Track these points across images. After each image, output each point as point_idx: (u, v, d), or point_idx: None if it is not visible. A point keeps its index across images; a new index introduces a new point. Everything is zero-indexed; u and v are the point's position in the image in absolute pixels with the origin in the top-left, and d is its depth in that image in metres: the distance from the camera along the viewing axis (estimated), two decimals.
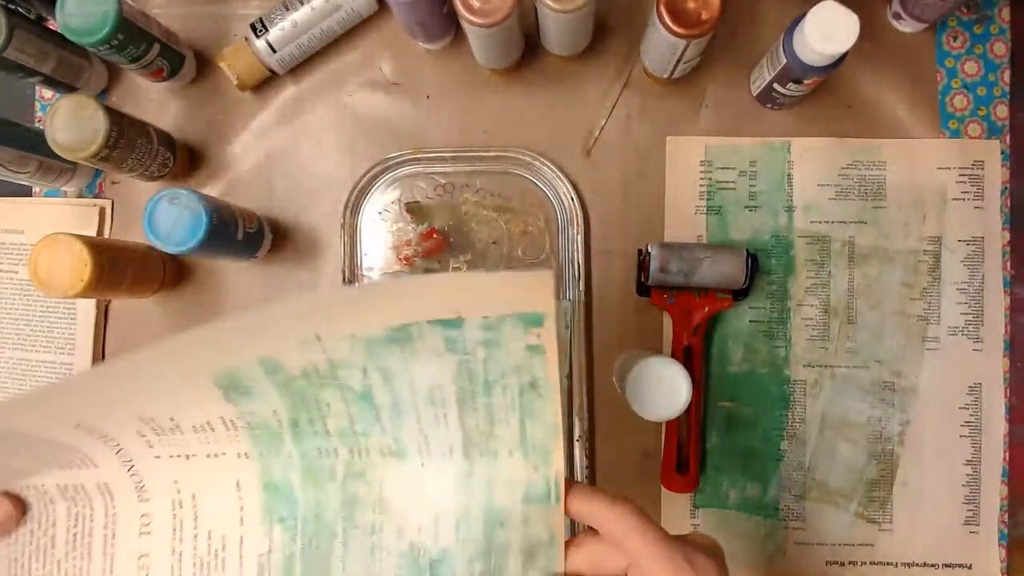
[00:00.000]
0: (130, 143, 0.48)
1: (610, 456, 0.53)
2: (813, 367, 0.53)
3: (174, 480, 0.34)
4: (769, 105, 0.53)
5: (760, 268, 0.53)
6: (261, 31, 0.51)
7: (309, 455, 0.34)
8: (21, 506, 0.34)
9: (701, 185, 0.54)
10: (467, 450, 0.33)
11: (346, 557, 0.33)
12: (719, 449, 0.53)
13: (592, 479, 0.53)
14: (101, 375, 0.28)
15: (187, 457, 0.34)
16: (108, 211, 0.55)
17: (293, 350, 0.30)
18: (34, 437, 0.31)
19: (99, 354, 0.55)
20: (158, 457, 0.34)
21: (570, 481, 0.34)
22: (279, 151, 0.55)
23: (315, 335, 0.30)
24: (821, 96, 0.53)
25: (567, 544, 0.34)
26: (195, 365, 0.30)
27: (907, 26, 0.53)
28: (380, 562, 0.33)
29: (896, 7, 0.53)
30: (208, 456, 0.34)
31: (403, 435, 0.33)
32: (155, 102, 0.55)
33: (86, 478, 0.34)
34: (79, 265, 0.45)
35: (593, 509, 0.33)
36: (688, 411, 0.46)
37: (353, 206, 0.53)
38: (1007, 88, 0.54)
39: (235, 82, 0.53)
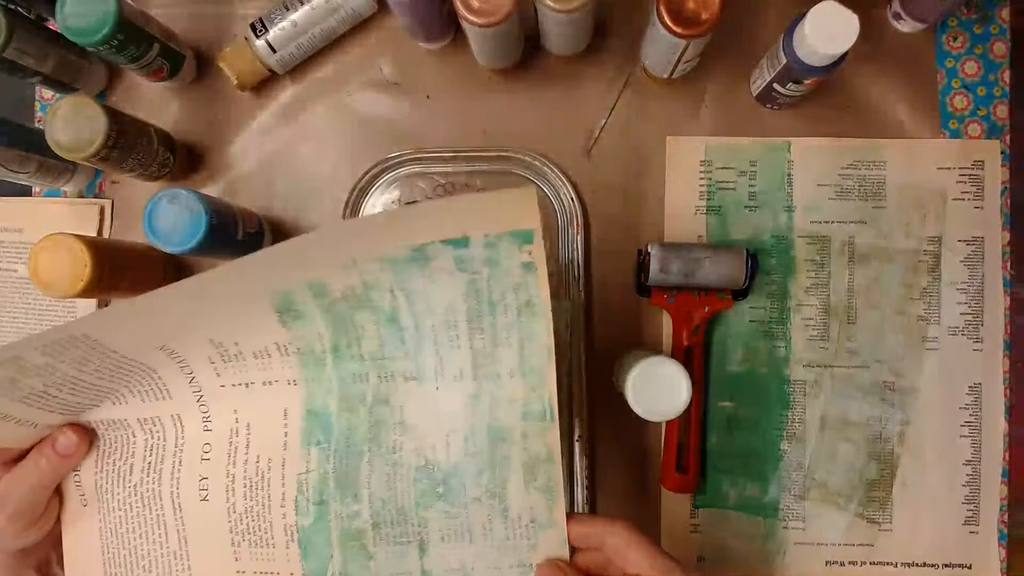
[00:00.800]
0: (130, 143, 0.48)
1: (610, 456, 0.53)
2: (813, 367, 0.53)
3: (234, 410, 0.39)
4: (769, 105, 0.53)
5: (760, 268, 0.53)
6: (261, 31, 0.51)
7: (345, 380, 0.38)
8: (88, 438, 0.38)
9: (701, 185, 0.54)
10: (475, 372, 0.37)
11: (371, 475, 0.37)
12: (719, 449, 0.53)
13: (592, 479, 0.53)
14: (174, 293, 0.32)
15: (247, 386, 0.38)
16: (108, 211, 0.55)
17: (336, 273, 0.35)
18: (126, 360, 0.35)
19: None
20: (223, 386, 0.38)
21: (571, 514, 0.38)
22: (279, 151, 0.55)
23: (352, 259, 0.34)
24: (821, 96, 0.53)
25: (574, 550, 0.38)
26: (255, 287, 0.34)
27: (907, 26, 0.53)
28: (400, 478, 0.37)
29: (896, 7, 0.53)
30: (264, 384, 0.38)
31: (423, 358, 0.37)
32: (155, 102, 0.56)
33: (163, 410, 0.38)
34: (79, 265, 0.45)
35: (593, 529, 0.37)
36: (688, 411, 0.46)
37: (353, 206, 0.53)
38: (1007, 88, 0.54)
39: (235, 82, 0.53)
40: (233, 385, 0.38)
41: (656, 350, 0.51)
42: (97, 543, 0.38)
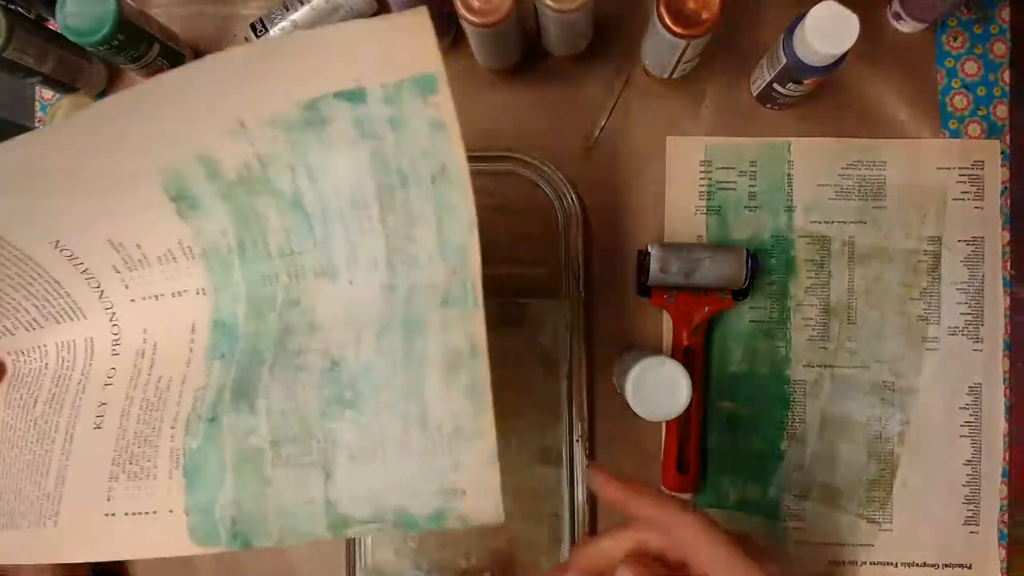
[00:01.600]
0: None
1: (610, 456, 0.53)
2: (813, 367, 0.53)
3: (144, 328, 0.36)
4: (769, 105, 0.53)
5: (760, 268, 0.53)
6: (261, 31, 0.51)
7: (254, 284, 0.34)
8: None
9: (701, 185, 0.54)
10: (390, 259, 0.33)
11: (271, 382, 0.33)
12: (719, 449, 0.53)
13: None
14: (36, 141, 0.29)
15: (156, 298, 0.35)
16: None
17: (223, 141, 0.31)
18: (16, 252, 0.32)
19: None
20: (133, 300, 0.35)
21: (636, 486, 0.35)
22: None
23: (238, 119, 0.30)
24: (821, 96, 0.53)
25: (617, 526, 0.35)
26: (137, 155, 0.31)
27: (907, 26, 0.53)
28: (303, 384, 0.33)
29: (896, 7, 0.53)
30: (173, 295, 0.35)
31: (334, 248, 0.33)
32: None
33: (78, 332, 0.35)
34: None
35: (664, 515, 0.34)
36: (688, 411, 0.46)
37: None
38: (1007, 88, 0.54)
39: None
40: (143, 299, 0.35)
41: (656, 350, 0.51)
42: None
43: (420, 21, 0.29)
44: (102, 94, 0.56)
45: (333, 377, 0.32)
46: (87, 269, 0.35)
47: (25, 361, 0.37)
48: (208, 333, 0.35)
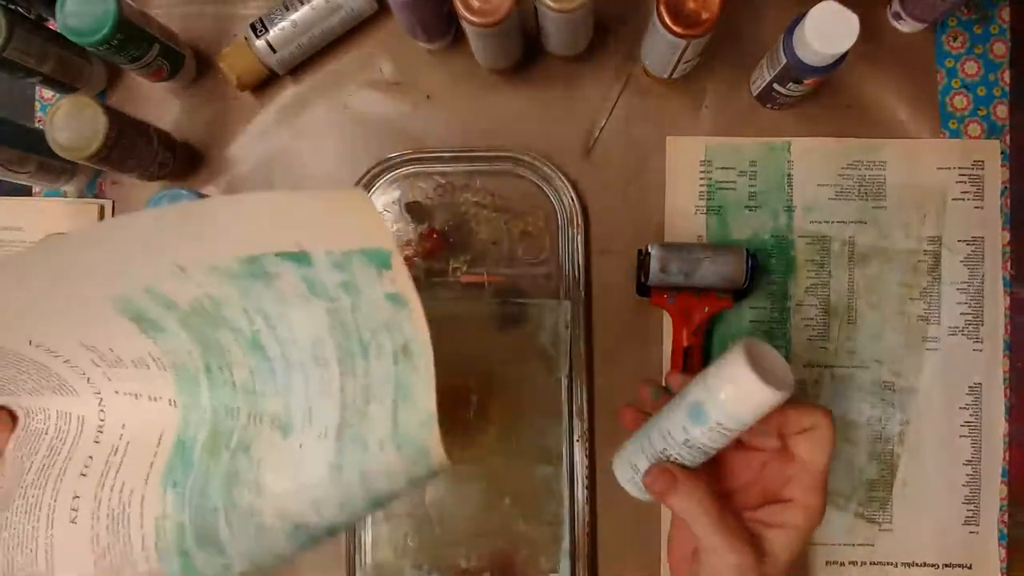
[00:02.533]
0: (130, 143, 0.48)
1: (610, 456, 0.53)
2: (813, 367, 0.53)
3: (122, 424, 0.35)
4: (769, 105, 0.53)
5: (760, 268, 0.53)
6: (261, 31, 0.51)
7: (218, 412, 0.34)
8: (11, 422, 0.36)
9: (701, 185, 0.54)
10: (339, 434, 0.31)
11: (233, 536, 0.32)
12: None
13: (592, 479, 0.53)
14: None
15: (135, 397, 0.35)
16: (108, 211, 0.55)
17: (169, 281, 0.30)
18: (5, 351, 0.33)
19: None
20: (117, 392, 0.35)
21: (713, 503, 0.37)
22: (279, 151, 0.55)
23: (177, 266, 0.30)
24: (821, 96, 0.53)
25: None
26: (89, 285, 0.31)
27: (907, 26, 0.53)
28: (271, 538, 0.32)
29: (896, 7, 0.53)
30: (150, 399, 0.35)
31: (293, 401, 0.32)
32: (155, 102, 0.56)
33: (73, 407, 0.35)
34: None
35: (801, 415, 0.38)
36: None
37: None
38: (1007, 88, 0.54)
39: (235, 82, 0.53)
40: (125, 393, 0.35)
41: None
42: None
43: (360, 200, 0.27)
44: (102, 94, 0.56)
45: (303, 531, 0.32)
46: (68, 360, 0.34)
47: (35, 421, 0.37)
48: (169, 451, 0.34)
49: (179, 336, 0.33)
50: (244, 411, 0.33)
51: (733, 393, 0.35)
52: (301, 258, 0.29)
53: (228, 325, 0.32)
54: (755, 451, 0.40)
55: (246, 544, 0.32)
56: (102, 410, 0.36)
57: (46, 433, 0.36)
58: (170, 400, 0.35)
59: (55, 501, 0.34)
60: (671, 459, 0.38)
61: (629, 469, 0.41)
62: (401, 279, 0.28)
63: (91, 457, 0.35)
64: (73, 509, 0.34)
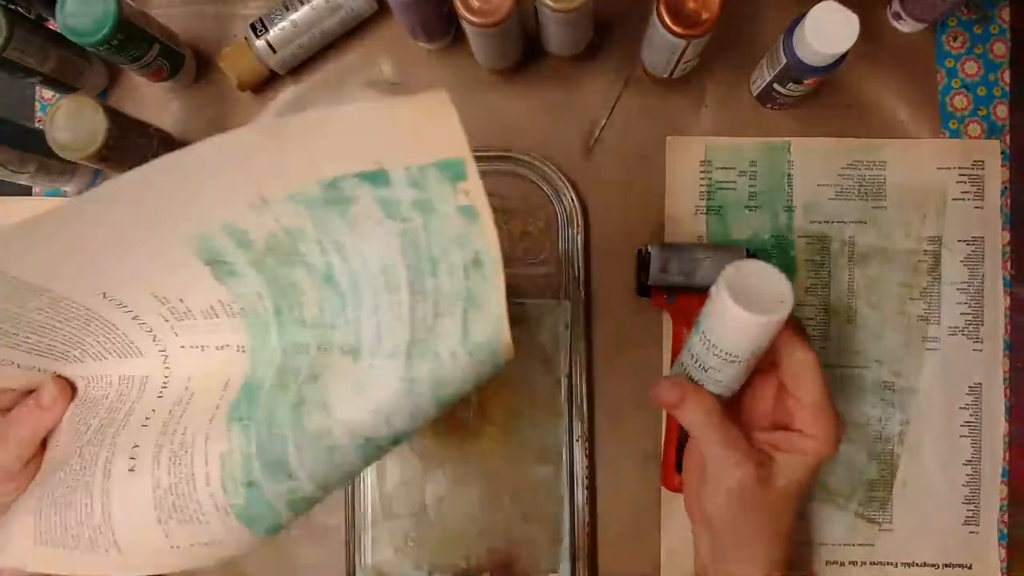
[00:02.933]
0: (130, 143, 0.48)
1: (610, 456, 0.53)
2: None
3: (188, 377, 0.36)
4: (769, 105, 0.53)
5: None
6: (261, 31, 0.51)
7: (288, 352, 0.34)
8: (69, 392, 0.37)
9: (701, 185, 0.54)
10: (410, 351, 0.31)
11: (302, 458, 0.32)
12: None
13: (592, 479, 0.53)
14: (64, 214, 0.29)
15: (202, 349, 0.35)
16: None
17: (247, 214, 0.30)
18: (66, 301, 0.33)
19: None
20: (183, 347, 0.35)
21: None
22: None
23: (259, 195, 0.29)
24: (821, 96, 0.53)
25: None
26: (166, 224, 0.30)
27: (907, 26, 0.53)
28: (340, 454, 0.32)
29: (896, 7, 0.53)
30: (217, 348, 0.35)
31: (363, 329, 0.32)
32: (155, 102, 0.55)
33: (137, 369, 0.36)
34: None
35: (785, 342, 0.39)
36: None
37: None
38: (1007, 88, 0.54)
39: (235, 82, 0.53)
40: (191, 347, 0.36)
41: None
42: (33, 496, 0.35)
43: (442, 103, 0.27)
44: (102, 94, 0.56)
45: (371, 444, 0.32)
46: (137, 316, 0.35)
47: (94, 388, 0.37)
48: (236, 393, 0.34)
49: (252, 280, 0.33)
50: (313, 345, 0.33)
51: (720, 327, 0.36)
52: (379, 178, 0.29)
53: (302, 260, 0.32)
54: (767, 380, 0.42)
55: (315, 465, 0.32)
56: (167, 367, 0.36)
57: (106, 398, 0.36)
58: (238, 347, 0.35)
59: (113, 454, 0.34)
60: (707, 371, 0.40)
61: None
62: (475, 189, 0.29)
63: (153, 410, 0.35)
64: (132, 458, 0.34)
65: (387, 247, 0.31)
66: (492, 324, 0.31)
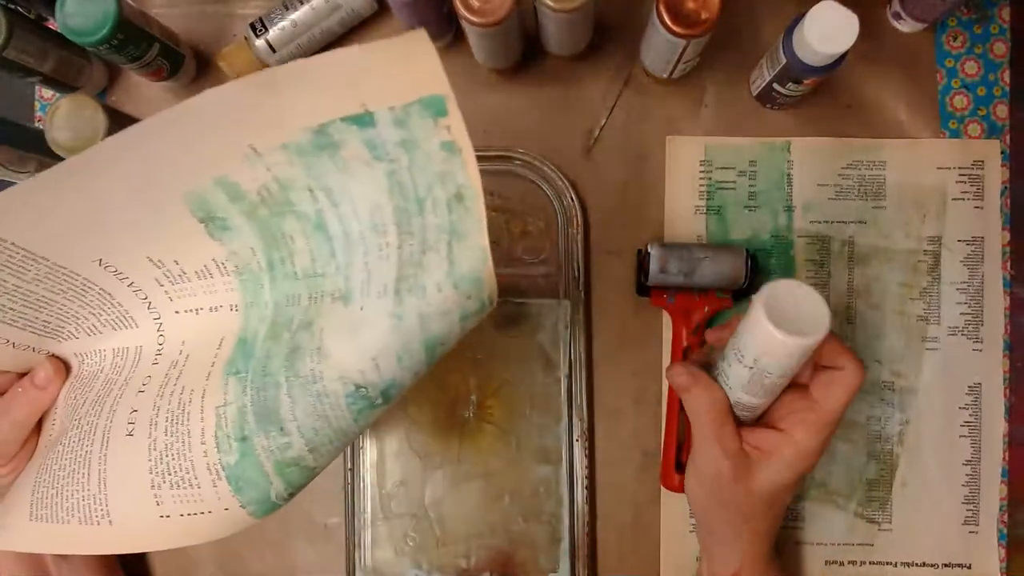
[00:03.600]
0: None
1: (610, 456, 0.53)
2: None
3: (182, 341, 0.36)
4: (769, 105, 0.53)
5: (760, 268, 0.53)
6: (261, 31, 0.51)
7: (280, 305, 0.35)
8: (64, 370, 0.38)
9: (701, 185, 0.54)
10: (398, 287, 0.32)
11: (294, 407, 0.33)
12: None
13: (592, 479, 0.53)
14: (59, 175, 0.29)
15: (196, 312, 0.36)
16: None
17: (239, 166, 0.31)
18: (62, 270, 0.33)
19: None
20: (177, 312, 0.36)
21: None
22: None
23: (250, 146, 0.30)
24: (821, 96, 0.53)
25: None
26: (160, 183, 0.31)
27: (907, 26, 0.53)
28: (330, 406, 0.33)
29: (896, 7, 0.53)
30: (211, 310, 0.36)
31: (353, 273, 0.33)
32: (155, 102, 0.55)
33: (132, 340, 0.36)
34: None
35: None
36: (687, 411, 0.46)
37: None
38: (1007, 88, 0.54)
39: None
40: (186, 311, 0.36)
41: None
42: (31, 475, 0.36)
43: (421, 43, 0.28)
44: (102, 94, 0.56)
45: (360, 395, 0.33)
46: (132, 283, 0.35)
47: (88, 364, 0.38)
48: (231, 350, 0.35)
49: (243, 233, 0.33)
50: (305, 295, 0.34)
51: (762, 350, 0.37)
52: (365, 120, 0.30)
53: (293, 209, 0.32)
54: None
55: (306, 416, 0.33)
56: (161, 335, 0.37)
57: (101, 372, 0.37)
58: (232, 306, 0.36)
59: (111, 422, 0.34)
60: (739, 404, 0.41)
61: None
62: (456, 124, 0.29)
63: (150, 376, 0.36)
64: (130, 423, 0.34)
65: (375, 189, 0.31)
66: (475, 255, 0.32)
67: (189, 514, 0.33)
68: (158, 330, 0.37)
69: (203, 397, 0.34)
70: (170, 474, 0.33)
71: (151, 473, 0.33)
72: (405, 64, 0.28)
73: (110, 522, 0.33)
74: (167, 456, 0.33)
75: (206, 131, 0.30)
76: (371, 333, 0.32)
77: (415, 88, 0.29)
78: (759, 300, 0.36)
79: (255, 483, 0.33)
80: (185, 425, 0.33)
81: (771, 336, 0.35)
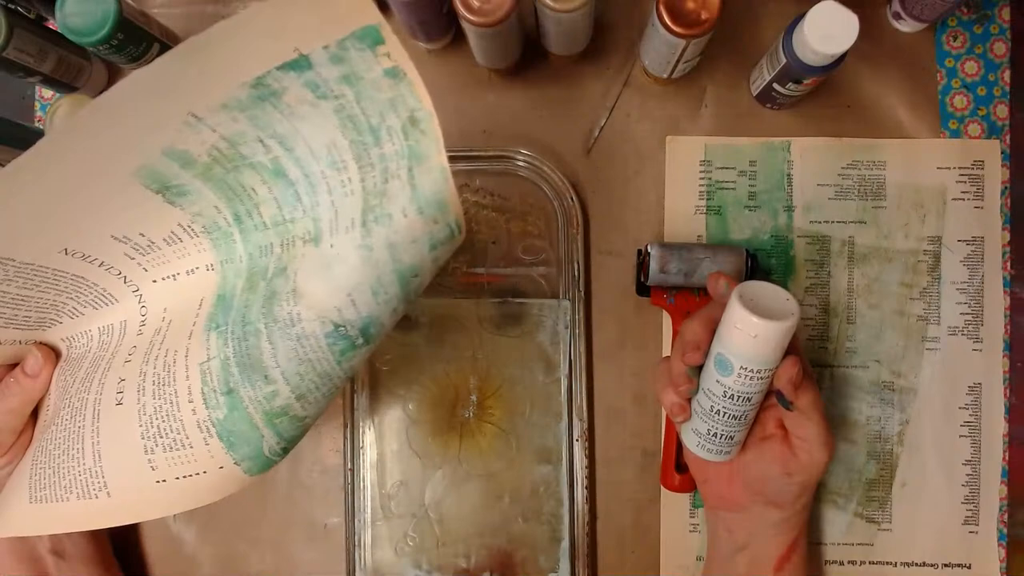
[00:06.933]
0: None
1: (610, 456, 0.54)
2: (813, 367, 0.53)
3: (164, 308, 0.36)
4: (769, 105, 0.53)
5: (760, 268, 0.53)
6: None
7: (254, 257, 0.35)
8: (53, 357, 0.38)
9: (701, 185, 0.54)
10: (364, 218, 0.32)
11: (276, 353, 0.33)
12: None
13: (592, 479, 0.53)
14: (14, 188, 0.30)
15: (174, 278, 0.36)
16: None
17: (183, 134, 0.31)
18: (33, 267, 0.33)
19: None
20: (155, 281, 0.36)
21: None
22: None
23: (189, 113, 0.30)
24: (821, 96, 0.53)
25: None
26: (105, 169, 0.31)
27: (907, 26, 0.53)
28: (311, 348, 0.33)
29: (896, 7, 0.53)
30: (188, 273, 0.36)
31: (320, 214, 0.33)
32: None
33: (115, 316, 0.37)
34: None
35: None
36: None
37: None
38: (1007, 88, 0.54)
39: None
40: (163, 279, 0.36)
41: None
42: (28, 460, 0.36)
43: None
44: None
45: (340, 335, 0.33)
46: (103, 263, 0.35)
47: (76, 346, 0.38)
48: (211, 306, 0.35)
49: (204, 193, 0.33)
50: (277, 243, 0.34)
51: (741, 336, 0.38)
52: (301, 64, 0.29)
53: (247, 162, 0.32)
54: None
55: (288, 361, 0.33)
56: (143, 305, 0.37)
57: (89, 352, 0.37)
58: (207, 266, 0.36)
59: (100, 395, 0.35)
60: (721, 413, 0.42)
61: (693, 435, 0.44)
62: (395, 50, 0.29)
63: (135, 346, 0.36)
64: (119, 392, 0.34)
65: (326, 127, 0.31)
66: (436, 175, 0.32)
67: (185, 476, 0.33)
68: (139, 302, 0.37)
69: (187, 356, 0.34)
70: (162, 437, 0.33)
71: (143, 439, 0.33)
72: (329, 1, 0.28)
73: (108, 494, 0.33)
74: (157, 419, 0.33)
75: (140, 109, 0.30)
76: (343, 268, 0.32)
77: (345, 22, 0.29)
78: (734, 295, 0.39)
79: (246, 437, 0.33)
80: (172, 386, 0.33)
81: (749, 322, 0.38)
